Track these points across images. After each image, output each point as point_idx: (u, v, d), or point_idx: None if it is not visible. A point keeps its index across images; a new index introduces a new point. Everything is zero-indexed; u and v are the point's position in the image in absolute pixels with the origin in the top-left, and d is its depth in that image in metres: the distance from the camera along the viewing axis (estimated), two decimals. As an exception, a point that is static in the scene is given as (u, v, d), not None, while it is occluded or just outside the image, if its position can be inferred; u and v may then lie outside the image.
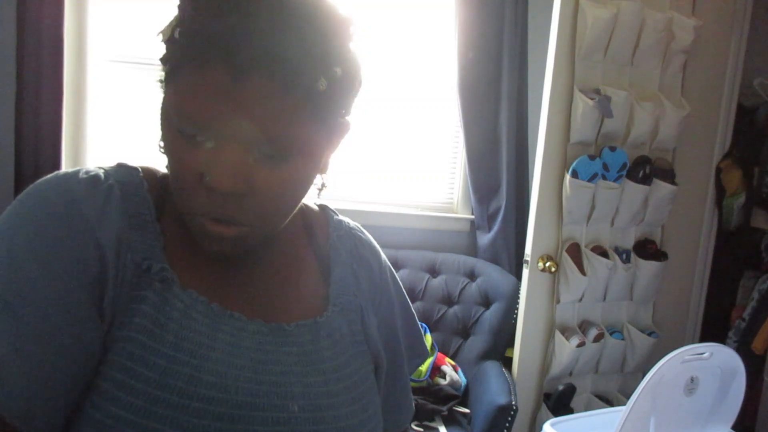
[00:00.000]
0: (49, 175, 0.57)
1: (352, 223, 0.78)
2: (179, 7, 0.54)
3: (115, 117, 2.49)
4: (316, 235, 0.73)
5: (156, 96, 0.63)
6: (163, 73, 0.57)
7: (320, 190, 0.67)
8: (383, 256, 0.79)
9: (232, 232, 0.57)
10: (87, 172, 0.58)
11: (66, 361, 0.51)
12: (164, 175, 0.65)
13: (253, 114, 0.51)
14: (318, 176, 0.64)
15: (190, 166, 0.54)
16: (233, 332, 0.59)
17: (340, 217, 0.78)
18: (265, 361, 0.59)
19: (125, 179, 0.60)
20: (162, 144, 0.58)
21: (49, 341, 0.51)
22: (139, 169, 0.63)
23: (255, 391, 0.57)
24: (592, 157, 1.99)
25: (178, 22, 0.53)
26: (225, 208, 0.55)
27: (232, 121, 0.51)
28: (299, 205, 0.65)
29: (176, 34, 0.53)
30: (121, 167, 0.62)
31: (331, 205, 0.79)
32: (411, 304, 0.82)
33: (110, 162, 0.63)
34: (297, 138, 0.54)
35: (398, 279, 0.80)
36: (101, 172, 0.59)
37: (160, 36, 0.56)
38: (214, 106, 0.51)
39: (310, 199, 0.74)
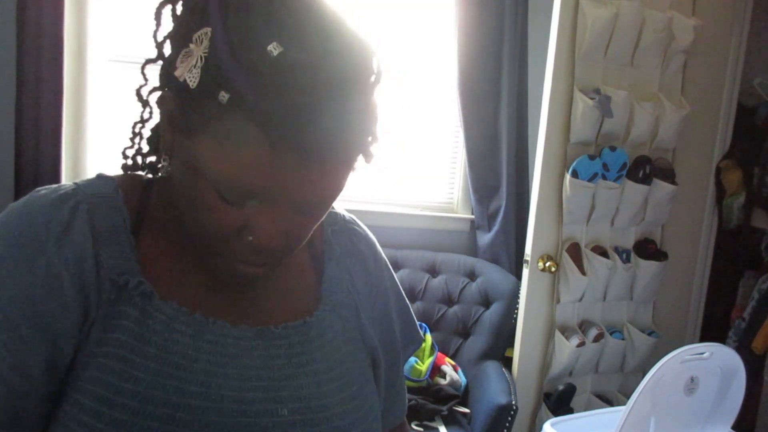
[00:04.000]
0: (27, 196, 0.57)
1: (348, 216, 0.76)
2: (220, 64, 0.48)
3: (115, 117, 2.48)
4: None
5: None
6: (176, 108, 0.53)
7: None
8: (379, 248, 0.77)
9: (263, 271, 0.59)
10: (56, 191, 0.57)
11: (7, 392, 0.51)
12: (148, 183, 0.63)
13: (312, 190, 0.52)
14: None
15: (228, 222, 0.54)
16: (217, 340, 0.58)
17: (335, 209, 0.75)
18: (252, 367, 0.58)
19: (97, 192, 0.59)
20: (183, 187, 0.55)
21: None
22: (115, 180, 0.61)
23: (241, 398, 0.56)
24: (592, 157, 1.99)
25: (224, 84, 0.48)
26: (262, 257, 0.57)
27: (291, 196, 0.52)
28: None
29: (222, 98, 0.47)
30: (98, 179, 0.61)
31: None
32: (404, 295, 0.80)
33: (99, 162, 0.63)
34: (338, 196, 0.57)
35: (392, 271, 0.79)
36: (70, 190, 0.58)
37: (181, 73, 0.50)
38: (275, 185, 0.51)
39: None
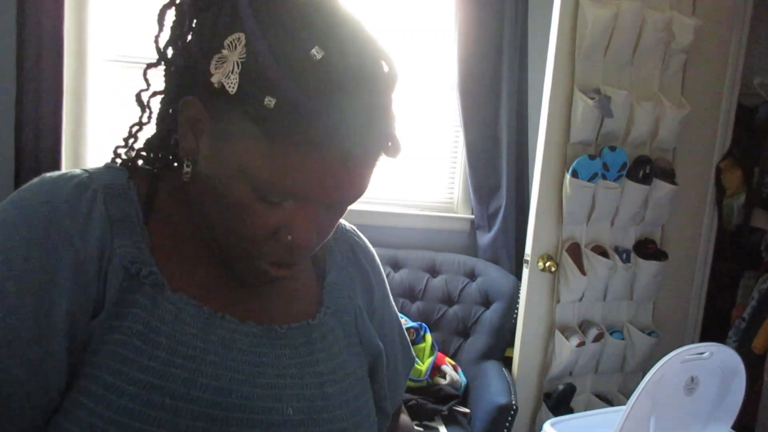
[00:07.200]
0: (36, 180, 0.57)
1: (348, 226, 0.78)
2: (262, 69, 0.49)
3: (115, 117, 2.48)
4: None
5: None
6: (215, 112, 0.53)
7: None
8: (378, 262, 0.79)
9: (292, 271, 0.61)
10: (72, 178, 0.57)
11: (31, 375, 0.51)
12: (154, 176, 0.64)
13: (347, 188, 0.55)
14: None
15: (267, 222, 0.55)
16: (226, 335, 0.58)
17: None
18: (259, 364, 0.59)
19: (110, 182, 0.59)
20: (218, 192, 0.56)
21: (15, 355, 0.50)
22: (125, 171, 0.61)
23: (250, 394, 0.57)
24: (592, 157, 1.99)
25: (269, 89, 0.49)
26: (295, 257, 0.59)
27: (329, 194, 0.54)
28: None
29: (269, 103, 0.49)
30: (108, 170, 0.61)
31: None
32: (398, 317, 0.82)
33: (98, 163, 0.62)
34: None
35: (387, 285, 0.81)
36: (86, 178, 0.58)
37: (217, 79, 0.51)
38: (316, 185, 0.52)
39: None
